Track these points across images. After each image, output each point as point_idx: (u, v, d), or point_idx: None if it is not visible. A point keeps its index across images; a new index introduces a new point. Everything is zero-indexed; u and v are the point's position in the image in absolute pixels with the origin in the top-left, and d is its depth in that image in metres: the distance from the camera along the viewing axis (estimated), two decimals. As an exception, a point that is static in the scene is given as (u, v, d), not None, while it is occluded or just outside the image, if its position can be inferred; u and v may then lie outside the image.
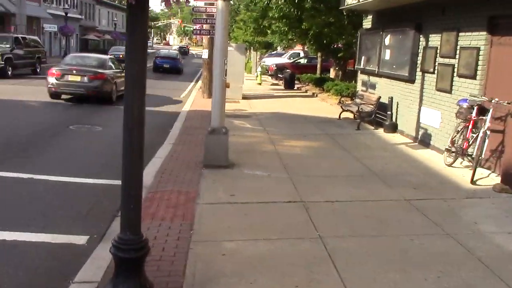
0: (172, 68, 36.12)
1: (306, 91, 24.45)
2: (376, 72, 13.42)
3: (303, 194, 7.05)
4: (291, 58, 39.62)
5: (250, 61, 39.16)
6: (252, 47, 41.27)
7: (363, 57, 14.88)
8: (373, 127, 12.88)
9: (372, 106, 12.75)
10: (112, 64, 18.29)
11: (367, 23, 14.85)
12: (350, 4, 12.96)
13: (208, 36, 18.52)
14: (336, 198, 6.87)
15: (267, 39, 33.75)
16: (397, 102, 12.21)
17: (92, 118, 13.72)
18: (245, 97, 20.13)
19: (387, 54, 12.84)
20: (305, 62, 35.51)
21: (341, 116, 14.77)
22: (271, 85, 30.36)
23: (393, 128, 12.18)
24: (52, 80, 16.19)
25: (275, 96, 22.27)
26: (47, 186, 7.27)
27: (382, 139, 11.67)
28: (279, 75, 34.53)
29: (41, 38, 47.48)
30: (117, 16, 74.50)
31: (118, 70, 17.98)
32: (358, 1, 12.23)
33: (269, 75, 37.66)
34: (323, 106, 18.59)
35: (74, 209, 6.39)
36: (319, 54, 26.65)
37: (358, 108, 12.71)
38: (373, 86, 14.03)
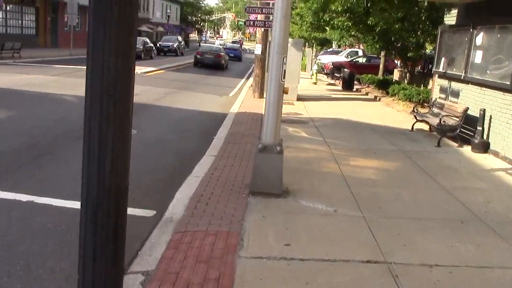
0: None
1: (367, 94, 22.21)
2: (462, 77, 11.17)
3: (386, 248, 5.06)
4: (349, 56, 37.23)
5: (305, 58, 37.08)
6: (307, 43, 39.13)
7: (443, 59, 12.62)
8: (457, 144, 10.66)
9: (457, 119, 10.52)
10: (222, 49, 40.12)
11: (450, 18, 12.57)
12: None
13: (263, 29, 16.68)
14: (435, 260, 4.85)
15: (324, 35, 31.53)
16: (490, 116, 9.95)
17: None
18: (300, 98, 18.17)
19: (478, 57, 10.58)
20: (364, 61, 33.13)
21: (414, 127, 12.57)
22: (327, 85, 28.23)
23: (485, 147, 9.93)
24: (197, 56, 35.94)
25: (333, 98, 20.17)
26: (46, 217, 5.59)
27: (472, 161, 9.45)
28: (335, 74, 32.33)
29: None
30: (171, 9, 73.85)
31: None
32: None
33: (325, 74, 35.47)
34: (389, 112, 16.37)
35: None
36: (382, 54, 24.30)
37: (440, 121, 10.50)
38: (455, 94, 11.77)
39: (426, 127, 12.81)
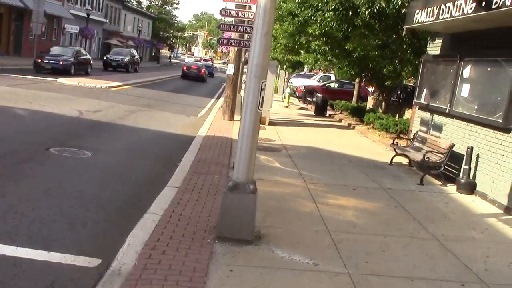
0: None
1: (340, 121, 21.55)
2: (446, 111, 10.51)
3: (380, 321, 4.13)
4: (321, 81, 36.87)
5: (277, 80, 36.48)
6: (279, 66, 38.59)
7: (425, 90, 11.98)
8: (440, 183, 9.92)
9: (442, 156, 9.80)
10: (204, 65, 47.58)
11: (434, 48, 11.98)
12: (423, 22, 10.06)
13: (236, 48, 15.82)
14: None
15: (298, 58, 30.98)
16: (478, 154, 9.26)
17: (86, 138, 10.99)
18: (272, 123, 17.34)
19: (465, 90, 9.93)
20: (337, 86, 32.75)
21: (393, 161, 11.83)
22: (299, 109, 27.55)
23: (471, 188, 9.21)
24: (184, 70, 43.55)
25: (306, 124, 19.41)
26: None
27: (460, 204, 8.68)
28: (308, 99, 31.77)
29: (61, 38, 45.60)
30: (142, 23, 72.71)
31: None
32: (436, 19, 9.35)
33: (297, 97, 34.90)
34: (365, 142, 15.65)
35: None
36: (356, 80, 23.79)
37: (424, 157, 9.76)
38: (438, 128, 11.10)
39: (405, 160, 12.10)
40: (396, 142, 11.87)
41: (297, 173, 9.85)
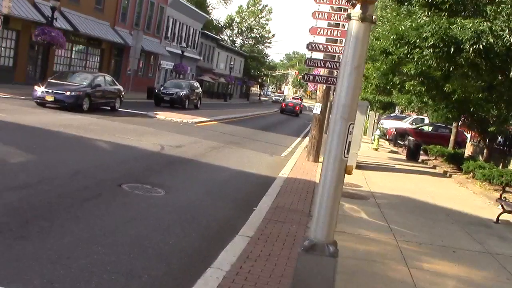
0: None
1: (434, 167, 19.88)
2: None
3: None
4: (414, 123, 35.04)
5: (366, 121, 35.16)
6: (369, 106, 37.24)
7: (540, 139, 10.41)
8: (561, 251, 8.32)
9: None
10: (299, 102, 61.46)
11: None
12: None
13: (324, 86, 15.03)
14: None
15: (389, 99, 29.61)
16: None
17: (163, 175, 10.59)
18: (359, 166, 16.18)
19: None
20: (430, 130, 30.84)
21: (500, 219, 10.29)
22: (389, 152, 26.06)
23: None
24: (282, 106, 56.77)
25: (397, 169, 18.03)
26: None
27: None
28: (398, 142, 30.14)
29: (156, 74, 47.48)
30: (235, 61, 74.40)
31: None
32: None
33: (387, 140, 33.30)
34: (464, 194, 14.06)
35: None
36: (454, 124, 22.04)
37: (541, 218, 8.27)
38: (557, 184, 9.49)
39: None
40: (504, 197, 10.36)
41: (386, 227, 8.70)
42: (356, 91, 4.64)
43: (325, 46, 10.49)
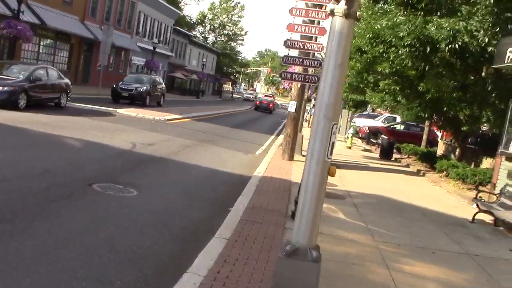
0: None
1: (408, 166, 20.00)
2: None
3: None
4: (386, 122, 35.29)
5: (340, 120, 35.36)
6: (343, 105, 37.39)
7: (515, 139, 10.49)
8: (537, 250, 8.35)
9: (540, 218, 8.27)
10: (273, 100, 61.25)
11: (526, 91, 10.51)
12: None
13: (299, 84, 14.88)
14: None
15: (362, 97, 29.74)
16: None
17: (135, 174, 10.24)
18: (333, 164, 16.04)
19: None
20: (402, 128, 31.08)
21: (475, 218, 10.31)
22: (363, 150, 26.14)
23: None
24: (256, 104, 59.76)
25: (371, 168, 18.04)
26: None
27: None
28: (371, 140, 30.32)
29: (127, 70, 46.65)
30: (207, 58, 73.86)
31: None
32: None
33: (360, 138, 33.47)
34: (438, 193, 14.12)
35: None
36: (426, 123, 22.21)
37: (518, 218, 8.27)
38: (532, 183, 9.54)
39: (488, 217, 10.54)
40: (480, 197, 10.37)
41: (364, 227, 8.59)
42: (340, 89, 4.47)
43: (302, 43, 10.29)
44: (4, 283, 4.47)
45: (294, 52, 12.61)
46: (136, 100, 28.35)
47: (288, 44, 10.83)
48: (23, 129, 13.10)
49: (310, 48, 10.15)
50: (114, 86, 29.03)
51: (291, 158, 15.99)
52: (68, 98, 20.62)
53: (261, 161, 14.98)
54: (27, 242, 5.52)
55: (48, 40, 34.81)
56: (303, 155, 17.46)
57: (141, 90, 28.83)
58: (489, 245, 8.59)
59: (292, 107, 15.41)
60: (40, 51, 34.16)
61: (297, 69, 13.58)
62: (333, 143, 4.54)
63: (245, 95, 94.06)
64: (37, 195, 7.35)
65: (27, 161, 9.55)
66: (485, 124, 17.51)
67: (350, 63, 18.65)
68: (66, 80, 20.73)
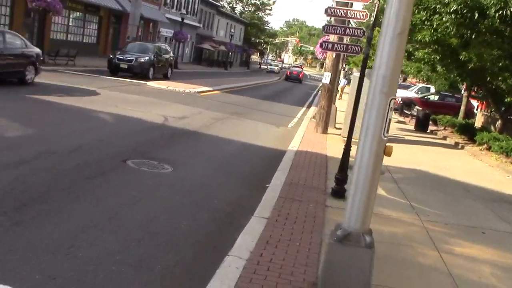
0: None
1: (445, 138, 19.34)
2: None
3: None
4: (419, 92, 34.32)
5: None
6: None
7: None
8: None
9: None
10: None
11: None
12: None
13: (334, 55, 14.34)
14: None
15: (397, 67, 28.80)
16: None
17: (169, 149, 10.05)
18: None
19: None
20: (437, 99, 30.15)
21: (523, 195, 9.82)
22: (396, 122, 25.42)
23: None
24: (287, 74, 63.06)
25: (407, 141, 17.47)
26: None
27: None
28: (404, 111, 29.51)
29: (156, 42, 46.44)
30: (235, 28, 73.02)
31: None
32: None
33: (393, 110, 32.65)
34: (480, 167, 13.55)
35: None
36: (464, 94, 21.38)
37: None
38: None
39: (536, 194, 10.03)
40: (530, 173, 9.82)
41: (407, 205, 8.20)
42: (398, 61, 4.04)
43: (345, 11, 9.70)
44: (40, 269, 4.29)
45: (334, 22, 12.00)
46: (137, 72, 24.28)
47: (330, 12, 10.27)
48: None
49: (353, 16, 9.61)
50: (111, 56, 25.16)
51: (325, 131, 15.58)
52: (38, 72, 16.31)
53: (295, 135, 14.62)
54: (63, 224, 5.34)
55: (77, 13, 34.76)
56: (337, 128, 17.02)
57: (143, 60, 24.54)
58: (541, 224, 8.12)
59: (326, 78, 14.91)
60: (70, 24, 34.15)
61: (332, 38, 13.03)
62: (389, 120, 4.15)
63: (269, 67, 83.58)
64: (70, 172, 7.19)
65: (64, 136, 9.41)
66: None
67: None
68: (35, 49, 16.41)
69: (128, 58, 24.41)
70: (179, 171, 8.38)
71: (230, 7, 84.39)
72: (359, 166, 4.22)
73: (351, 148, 8.13)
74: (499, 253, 6.33)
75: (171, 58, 28.83)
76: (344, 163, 8.01)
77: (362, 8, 10.65)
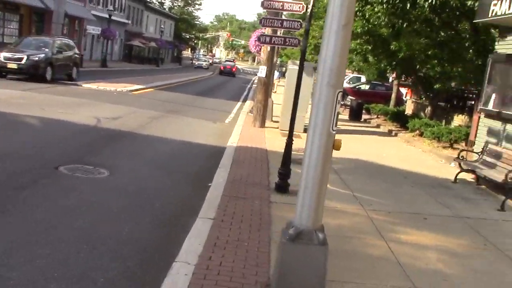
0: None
1: (378, 126, 19.86)
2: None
3: None
4: (351, 82, 35.13)
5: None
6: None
7: (494, 95, 10.29)
8: (524, 208, 8.24)
9: (528, 176, 8.11)
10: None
11: (506, 46, 10.26)
12: (503, 15, 8.38)
13: (269, 48, 14.29)
14: None
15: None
16: None
17: (104, 152, 9.59)
18: (307, 129, 15.70)
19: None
20: (368, 88, 31.01)
21: (457, 178, 10.15)
22: (331, 113, 25.87)
23: None
24: (221, 68, 64.93)
25: (343, 131, 17.69)
26: None
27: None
28: (338, 101, 30.09)
29: (82, 40, 44.73)
30: (165, 24, 71.71)
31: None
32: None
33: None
34: (414, 153, 13.97)
35: None
36: (395, 82, 22.04)
37: (507, 177, 8.08)
38: (515, 141, 9.41)
39: (469, 176, 10.41)
40: (462, 156, 10.18)
41: (350, 195, 8.26)
42: (344, 53, 3.96)
43: (281, 3, 9.60)
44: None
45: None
46: (29, 73, 19.92)
47: (266, 5, 10.14)
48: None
49: (290, 9, 9.53)
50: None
51: (262, 125, 15.53)
52: None
53: (233, 130, 14.46)
54: (-7, 239, 4.90)
55: (-5, 11, 32.76)
56: (274, 121, 17.01)
57: (36, 59, 20.03)
58: (476, 206, 8.42)
59: (262, 72, 14.84)
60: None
61: (267, 31, 12.96)
62: (338, 113, 4.07)
63: (196, 63, 77.04)
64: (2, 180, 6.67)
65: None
66: (454, 82, 17.36)
67: (319, 22, 18.08)
68: None
69: (17, 56, 19.67)
70: (116, 174, 8.00)
71: (158, 2, 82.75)
72: (308, 162, 4.11)
73: (293, 142, 8.09)
74: (442, 238, 6.46)
75: (76, 55, 24.25)
76: (287, 157, 7.94)
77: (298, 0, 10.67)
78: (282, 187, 7.84)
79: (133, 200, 6.86)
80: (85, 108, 14.84)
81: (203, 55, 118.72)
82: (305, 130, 15.53)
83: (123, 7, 55.42)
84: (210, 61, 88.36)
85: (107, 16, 43.17)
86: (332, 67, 3.90)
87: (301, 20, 9.87)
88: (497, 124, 10.13)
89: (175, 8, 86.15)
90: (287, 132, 8.21)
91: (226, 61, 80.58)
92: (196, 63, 77.24)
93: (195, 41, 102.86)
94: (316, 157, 4.05)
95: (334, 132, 4.07)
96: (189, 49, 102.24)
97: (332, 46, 3.87)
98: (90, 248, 5.04)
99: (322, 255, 4.13)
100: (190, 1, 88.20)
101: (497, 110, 9.97)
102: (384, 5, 11.34)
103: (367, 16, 12.58)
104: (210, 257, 5.02)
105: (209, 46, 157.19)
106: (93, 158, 8.83)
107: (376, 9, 11.94)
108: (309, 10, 6.98)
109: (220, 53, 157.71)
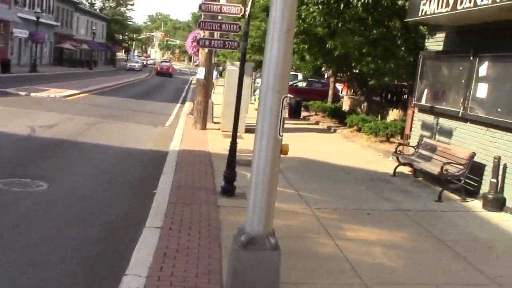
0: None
1: (317, 123, 20.23)
2: (459, 114, 9.25)
3: None
4: (288, 80, 35.55)
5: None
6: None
7: (426, 90, 10.73)
8: (460, 198, 8.64)
9: (462, 167, 8.52)
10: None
11: (435, 43, 10.73)
12: (432, 14, 8.74)
13: (206, 50, 14.22)
14: None
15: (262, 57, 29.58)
16: (505, 165, 8.02)
17: (40, 163, 9.20)
18: (248, 130, 15.75)
19: (483, 90, 8.69)
20: (305, 85, 31.50)
21: (396, 171, 10.52)
22: (270, 111, 26.10)
23: (500, 204, 7.96)
24: (157, 69, 66.34)
25: (284, 129, 17.95)
26: None
27: (494, 226, 7.41)
28: (276, 99, 30.40)
29: (9, 44, 42.72)
30: (96, 26, 69.74)
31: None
32: (453, 9, 8.04)
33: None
34: (354, 149, 14.35)
35: None
36: (331, 79, 22.54)
37: (442, 169, 8.45)
38: (446, 134, 9.86)
39: (406, 169, 10.81)
40: (399, 151, 10.56)
41: (295, 195, 8.38)
42: (288, 58, 4.00)
43: (219, 6, 9.57)
44: None
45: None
46: None
47: (204, 7, 10.07)
48: None
49: (228, 11, 9.52)
50: None
51: (204, 127, 15.44)
52: None
53: (174, 133, 14.29)
54: None
55: None
56: (215, 122, 16.94)
57: None
58: (415, 198, 8.75)
59: (201, 73, 14.75)
60: None
61: (203, 34, 12.90)
62: (283, 119, 4.11)
63: (128, 65, 71.03)
64: None
65: None
66: (387, 78, 17.97)
67: (256, 22, 18.19)
68: None
69: None
70: (56, 186, 7.71)
71: (89, 3, 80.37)
72: (256, 168, 4.13)
73: (237, 144, 8.10)
74: (386, 232, 6.68)
75: None
76: (232, 160, 7.93)
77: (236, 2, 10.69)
78: (228, 190, 7.83)
79: (76, 212, 6.64)
80: (16, 116, 14.21)
81: (137, 56, 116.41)
82: (247, 131, 15.60)
83: (51, 8, 53.40)
84: (144, 63, 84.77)
85: (34, 18, 41.42)
86: (276, 73, 3.93)
87: (239, 23, 9.92)
88: (430, 118, 10.57)
89: (107, 8, 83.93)
90: (229, 133, 8.21)
91: (162, 61, 79.47)
92: (128, 65, 70.95)
93: (129, 42, 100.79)
94: (264, 163, 4.07)
95: (280, 137, 4.11)
96: (123, 50, 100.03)
97: (275, 52, 3.90)
98: (32, 268, 4.84)
99: (275, 260, 4.16)
100: (122, 1, 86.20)
101: (430, 105, 10.42)
102: (319, 5, 11.58)
103: (303, 16, 12.80)
104: (161, 268, 4.94)
105: (143, 47, 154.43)
106: (30, 170, 8.47)
107: (311, 9, 12.17)
108: (247, 13, 7.01)
109: (155, 54, 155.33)
